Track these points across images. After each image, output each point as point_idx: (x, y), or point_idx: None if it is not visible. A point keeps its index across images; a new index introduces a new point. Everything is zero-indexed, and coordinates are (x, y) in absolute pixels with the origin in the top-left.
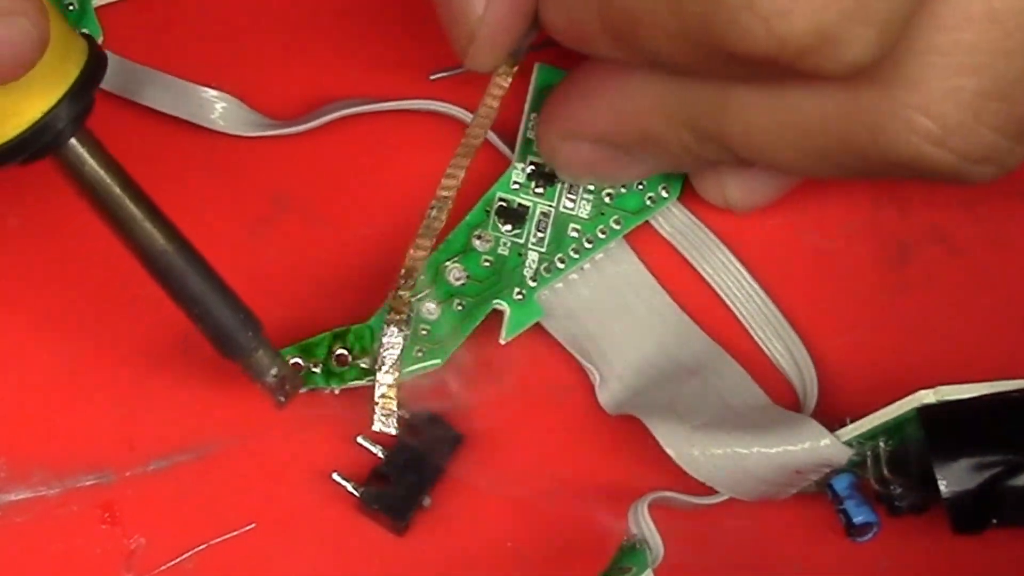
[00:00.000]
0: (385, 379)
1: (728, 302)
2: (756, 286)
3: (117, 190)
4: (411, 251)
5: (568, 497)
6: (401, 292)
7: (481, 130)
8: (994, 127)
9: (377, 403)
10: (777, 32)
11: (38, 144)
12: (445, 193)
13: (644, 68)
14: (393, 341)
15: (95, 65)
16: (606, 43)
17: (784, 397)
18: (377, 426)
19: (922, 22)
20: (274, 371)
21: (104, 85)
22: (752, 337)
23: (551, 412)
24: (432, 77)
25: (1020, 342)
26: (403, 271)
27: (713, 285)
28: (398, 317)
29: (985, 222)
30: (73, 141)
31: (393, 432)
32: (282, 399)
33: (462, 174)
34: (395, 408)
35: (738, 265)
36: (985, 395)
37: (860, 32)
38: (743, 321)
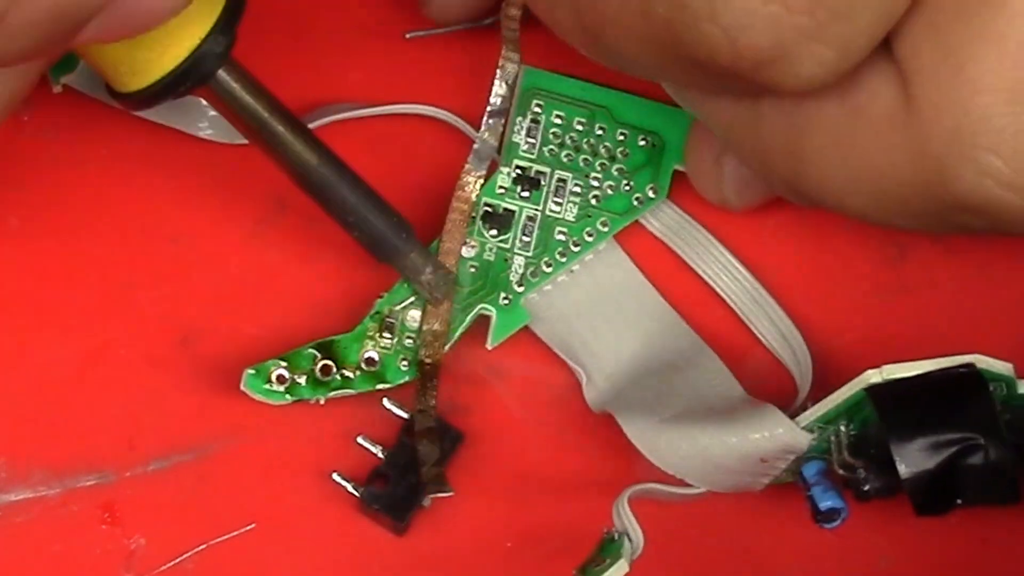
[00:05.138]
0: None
1: (723, 296)
2: (750, 278)
3: (266, 114)
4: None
5: (568, 497)
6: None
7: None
8: None
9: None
10: (737, 44)
11: (193, 77)
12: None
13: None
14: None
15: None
16: (580, 41)
17: (783, 389)
18: None
19: (990, 58)
20: (429, 270)
21: (93, 93)
22: (749, 329)
23: (551, 412)
24: (408, 36)
25: (1020, 342)
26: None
27: (707, 280)
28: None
29: None
30: (223, 73)
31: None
32: (438, 296)
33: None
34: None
35: (731, 258)
36: (931, 372)
37: (816, 50)
38: (739, 314)
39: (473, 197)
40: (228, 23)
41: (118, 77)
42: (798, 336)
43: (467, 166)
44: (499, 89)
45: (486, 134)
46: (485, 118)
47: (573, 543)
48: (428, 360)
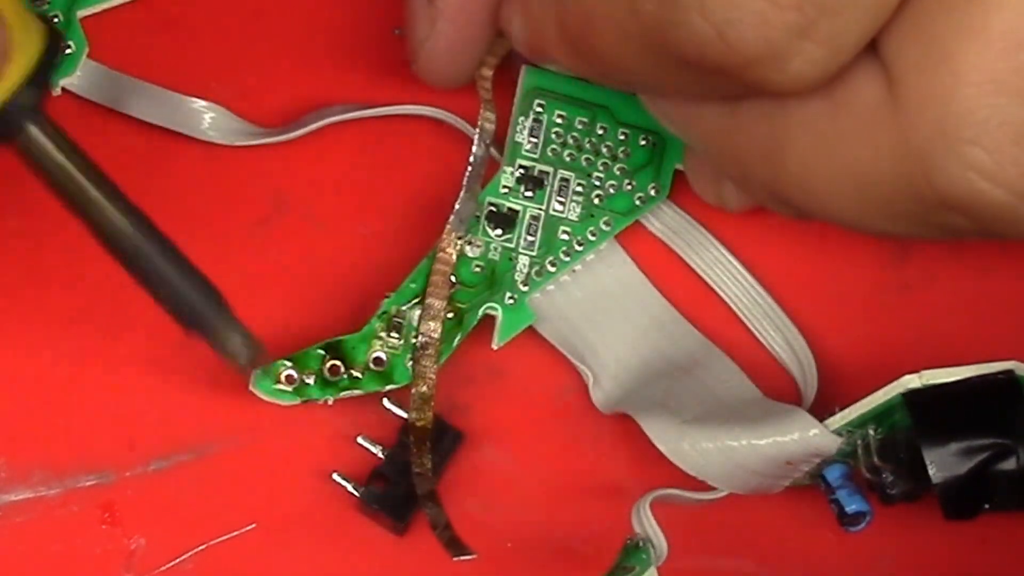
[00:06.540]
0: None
1: (724, 297)
2: (752, 279)
3: (79, 174)
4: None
5: (568, 497)
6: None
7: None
8: None
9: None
10: (726, 38)
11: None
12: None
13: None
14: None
15: (51, 49)
16: (563, 51)
17: (785, 390)
18: None
19: (974, 50)
20: (239, 340)
21: (92, 96)
22: (750, 331)
23: (551, 412)
24: (396, 32)
25: (1021, 341)
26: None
27: (708, 281)
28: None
29: None
30: (33, 128)
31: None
32: (247, 367)
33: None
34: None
35: (732, 259)
36: (970, 378)
37: (806, 48)
38: (740, 315)
39: (453, 259)
40: (40, 76)
41: None
42: (799, 337)
43: (447, 227)
44: (477, 150)
45: (466, 193)
46: (465, 179)
47: (573, 542)
48: (419, 423)
